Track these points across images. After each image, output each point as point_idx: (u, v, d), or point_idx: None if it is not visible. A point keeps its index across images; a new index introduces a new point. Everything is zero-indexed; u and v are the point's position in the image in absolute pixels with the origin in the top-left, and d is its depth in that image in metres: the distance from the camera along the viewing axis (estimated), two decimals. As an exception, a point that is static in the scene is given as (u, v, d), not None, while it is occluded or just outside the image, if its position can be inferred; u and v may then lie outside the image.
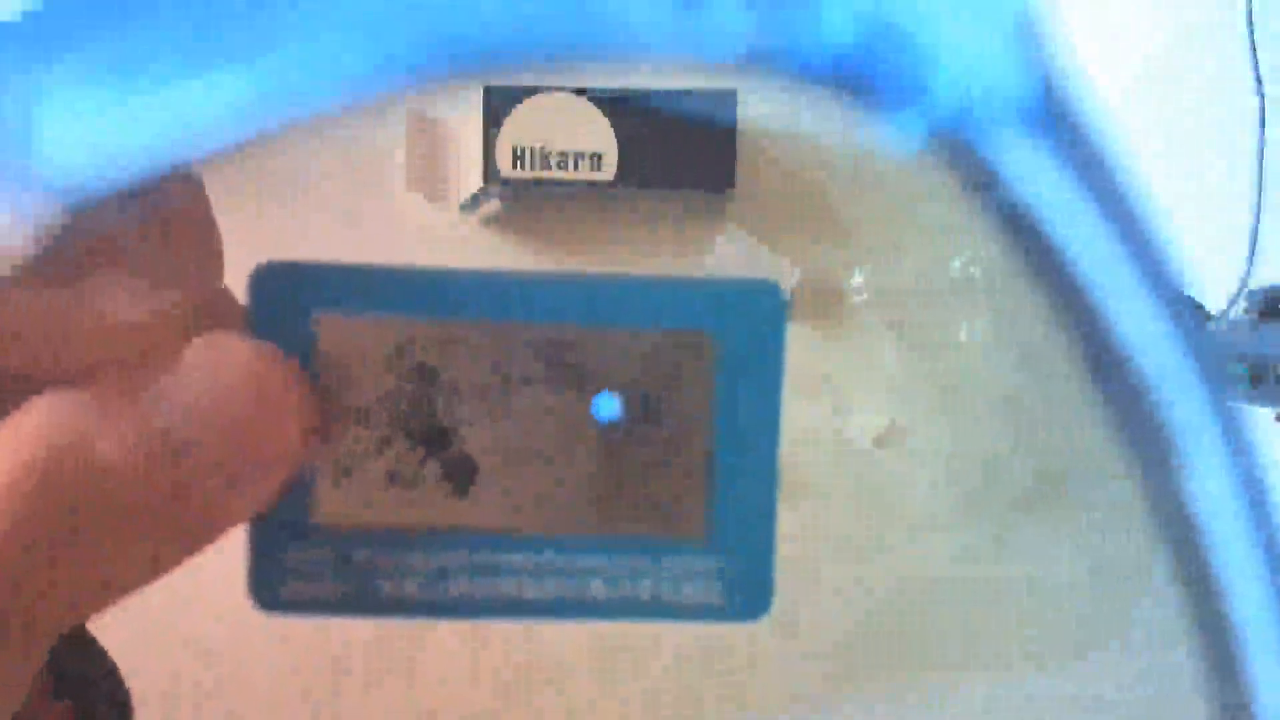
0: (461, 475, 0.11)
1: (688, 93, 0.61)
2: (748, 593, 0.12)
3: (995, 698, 0.69)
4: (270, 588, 0.12)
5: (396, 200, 0.66)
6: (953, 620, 0.69)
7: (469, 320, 0.11)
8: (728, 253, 0.66)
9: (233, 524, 0.11)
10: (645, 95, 0.61)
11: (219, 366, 0.10)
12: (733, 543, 0.12)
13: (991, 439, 0.68)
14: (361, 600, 0.11)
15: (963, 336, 0.67)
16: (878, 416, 0.68)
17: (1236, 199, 0.69)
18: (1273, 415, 0.63)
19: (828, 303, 0.68)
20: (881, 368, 0.68)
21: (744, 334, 0.11)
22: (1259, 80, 0.68)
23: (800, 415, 0.68)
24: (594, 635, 0.67)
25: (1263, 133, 0.69)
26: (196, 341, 0.10)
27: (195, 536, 0.10)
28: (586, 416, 0.11)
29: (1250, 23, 0.69)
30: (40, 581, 0.09)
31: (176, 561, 0.10)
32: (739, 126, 0.62)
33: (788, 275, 0.65)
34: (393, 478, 0.11)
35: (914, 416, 0.68)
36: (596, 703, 0.67)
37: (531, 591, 0.12)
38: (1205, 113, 0.69)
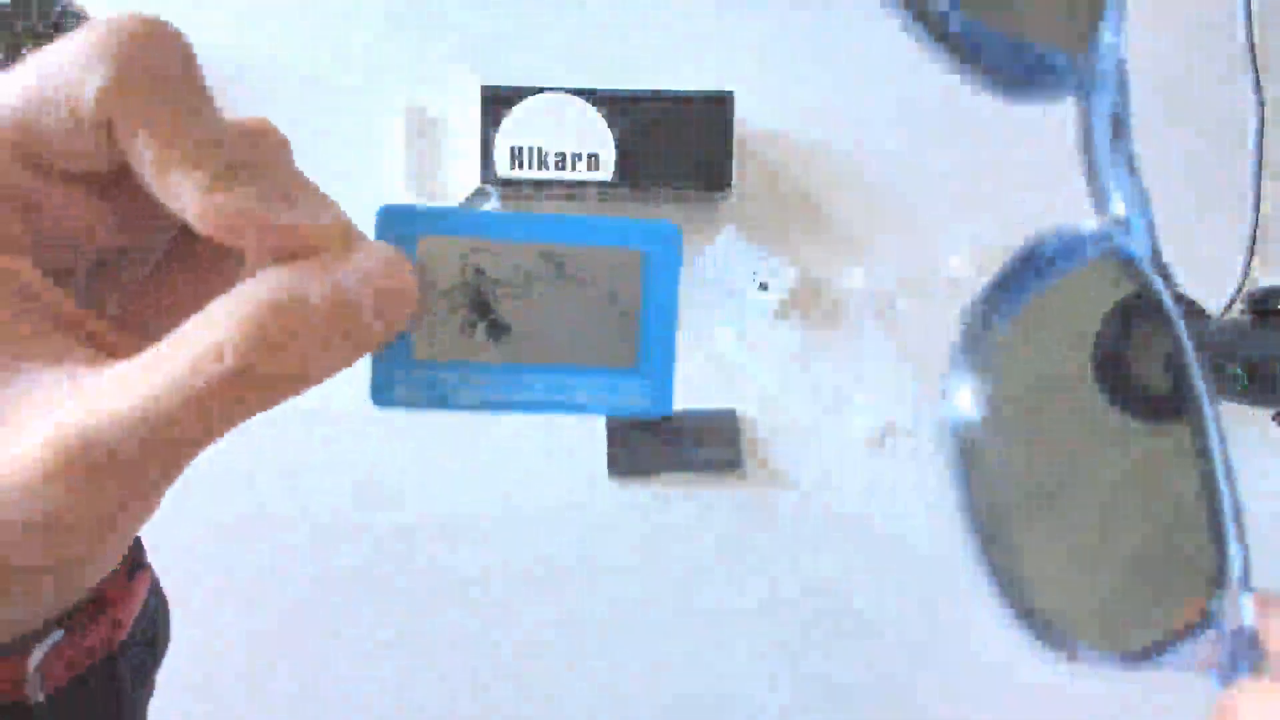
0: (498, 330, 0.20)
1: (685, 94, 0.61)
2: (658, 398, 0.20)
3: (991, 693, 0.69)
4: (385, 393, 0.20)
5: (395, 199, 0.66)
6: (949, 617, 0.69)
7: (504, 240, 0.19)
8: (725, 252, 0.66)
9: (373, 350, 0.18)
10: (643, 96, 0.61)
11: (377, 258, 0.17)
12: (649, 368, 0.20)
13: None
14: (441, 402, 0.20)
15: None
16: (876, 416, 0.68)
17: (1236, 199, 0.69)
18: (1270, 416, 0.63)
19: (826, 303, 0.68)
20: (880, 367, 0.68)
21: (659, 251, 0.20)
22: (1259, 81, 0.68)
23: (800, 415, 0.68)
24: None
25: (1262, 132, 0.68)
26: (364, 244, 0.18)
27: (358, 353, 0.18)
28: (571, 298, 0.20)
29: (1249, 23, 0.69)
30: (256, 388, 0.16)
31: (342, 367, 0.17)
32: (736, 126, 0.62)
33: (786, 275, 0.66)
34: (460, 331, 0.20)
35: (912, 416, 0.68)
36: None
37: (536, 395, 0.20)
38: (1205, 113, 0.69)
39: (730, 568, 0.68)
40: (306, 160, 0.69)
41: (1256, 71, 0.68)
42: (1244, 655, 0.19)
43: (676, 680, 0.68)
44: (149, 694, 0.25)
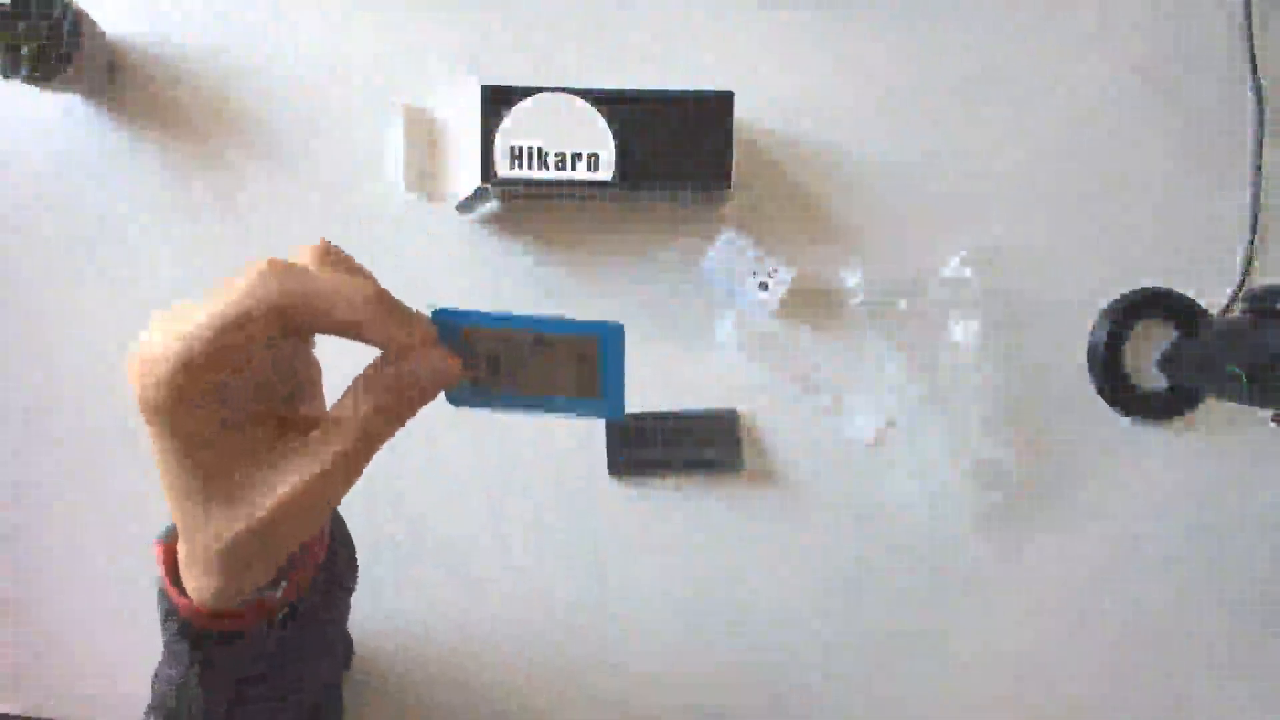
0: (496, 371, 0.35)
1: (685, 93, 0.61)
2: (615, 413, 0.35)
3: (985, 688, 0.69)
4: (451, 396, 0.36)
5: (395, 199, 0.66)
6: (949, 615, 0.69)
7: (504, 329, 0.34)
8: (725, 252, 0.66)
9: (426, 404, 0.34)
10: (643, 96, 0.61)
11: (445, 354, 0.33)
12: (608, 396, 0.35)
13: (988, 438, 0.68)
14: (483, 402, 0.36)
15: (958, 336, 0.67)
16: (876, 416, 0.68)
17: (1236, 198, 0.69)
18: (1269, 416, 0.63)
19: (825, 303, 0.68)
20: (880, 367, 0.68)
21: (609, 336, 0.34)
22: (1259, 81, 0.68)
23: (800, 415, 0.68)
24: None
25: (1262, 132, 0.69)
26: (438, 346, 0.33)
27: (423, 405, 0.34)
28: (554, 363, 0.35)
29: (1249, 23, 0.69)
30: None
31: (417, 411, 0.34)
32: (736, 126, 0.62)
33: (786, 275, 0.66)
34: (485, 375, 0.35)
35: (912, 416, 0.68)
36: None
37: (539, 409, 0.36)
38: (1205, 113, 0.69)
39: (730, 568, 0.68)
40: (308, 160, 0.70)
41: (1256, 71, 0.68)
42: None
43: (676, 680, 0.68)
44: (342, 598, 0.47)
